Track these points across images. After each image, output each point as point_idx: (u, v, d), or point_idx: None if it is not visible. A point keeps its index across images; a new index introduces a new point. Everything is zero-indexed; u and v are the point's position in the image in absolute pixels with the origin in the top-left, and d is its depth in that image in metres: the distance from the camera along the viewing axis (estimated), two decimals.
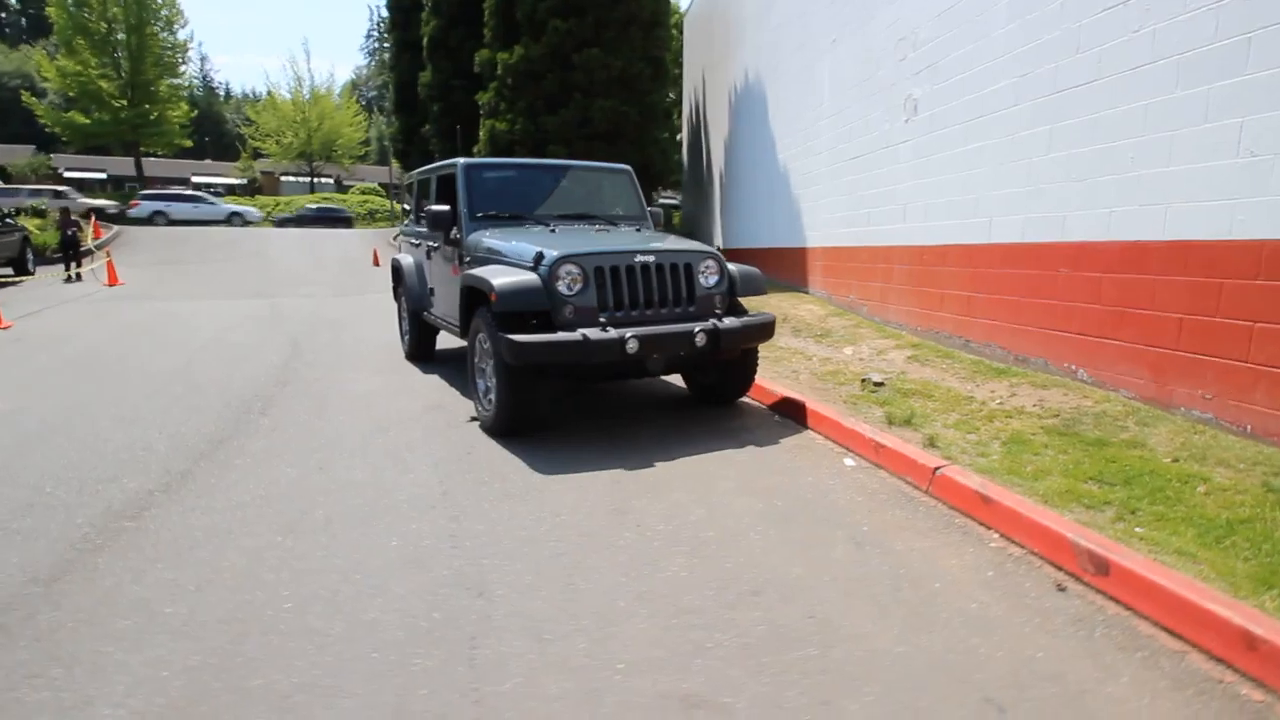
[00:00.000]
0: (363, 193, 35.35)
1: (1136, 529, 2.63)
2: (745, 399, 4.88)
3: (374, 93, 59.59)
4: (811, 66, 8.81)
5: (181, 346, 6.88)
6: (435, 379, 5.68)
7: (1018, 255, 5.00)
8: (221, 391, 5.13)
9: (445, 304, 5.30)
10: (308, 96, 36.62)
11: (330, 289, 12.31)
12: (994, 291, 5.28)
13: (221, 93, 54.25)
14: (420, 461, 3.66)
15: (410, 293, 6.11)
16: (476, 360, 4.30)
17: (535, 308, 3.79)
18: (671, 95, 18.13)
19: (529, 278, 3.82)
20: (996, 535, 2.71)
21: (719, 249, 8.83)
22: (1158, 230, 3.86)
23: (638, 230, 5.12)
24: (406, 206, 6.76)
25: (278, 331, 7.83)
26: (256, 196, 35.41)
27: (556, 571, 2.48)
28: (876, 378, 4.95)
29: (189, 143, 31.01)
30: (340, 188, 39.40)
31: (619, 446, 3.88)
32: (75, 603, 2.28)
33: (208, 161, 42.36)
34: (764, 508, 3.04)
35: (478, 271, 4.13)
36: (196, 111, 33.70)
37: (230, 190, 38.04)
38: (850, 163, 7.70)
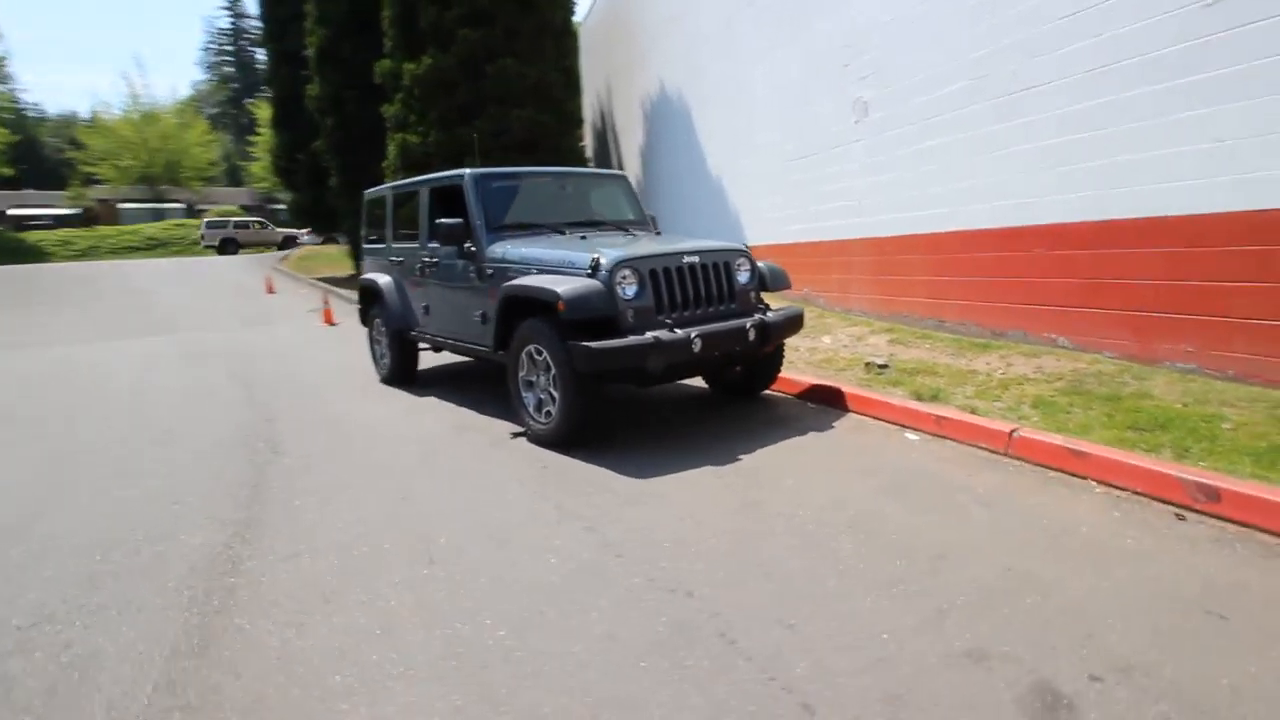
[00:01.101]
0: (220, 216, 32.60)
1: (1200, 464, 3.04)
2: (766, 391, 5.04)
3: (216, 109, 55.07)
4: (744, 73, 9.20)
5: (108, 395, 6.13)
6: (434, 400, 5.45)
7: (988, 240, 5.53)
8: (203, 435, 4.67)
9: (452, 320, 5.10)
10: (143, 114, 33.34)
11: (234, 321, 11.37)
12: (965, 274, 5.79)
13: (33, 114, 48.02)
14: (504, 479, 3.54)
15: (390, 313, 5.81)
16: (523, 373, 4.19)
17: (601, 314, 3.77)
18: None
19: (592, 284, 3.79)
20: (1094, 483, 3.04)
21: None
22: (1130, 210, 4.43)
23: (658, 234, 5.17)
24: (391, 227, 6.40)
25: (207, 369, 7.15)
26: (95, 228, 31.73)
27: (747, 565, 2.51)
28: (879, 360, 5.29)
29: (8, 170, 27.31)
30: (192, 213, 36.10)
31: (686, 446, 3.93)
32: (255, 669, 2.06)
33: (28, 191, 37.38)
34: (875, 484, 3.21)
35: (527, 281, 4.03)
36: (18, 137, 29.74)
37: (61, 222, 33.79)
38: (796, 163, 8.12)
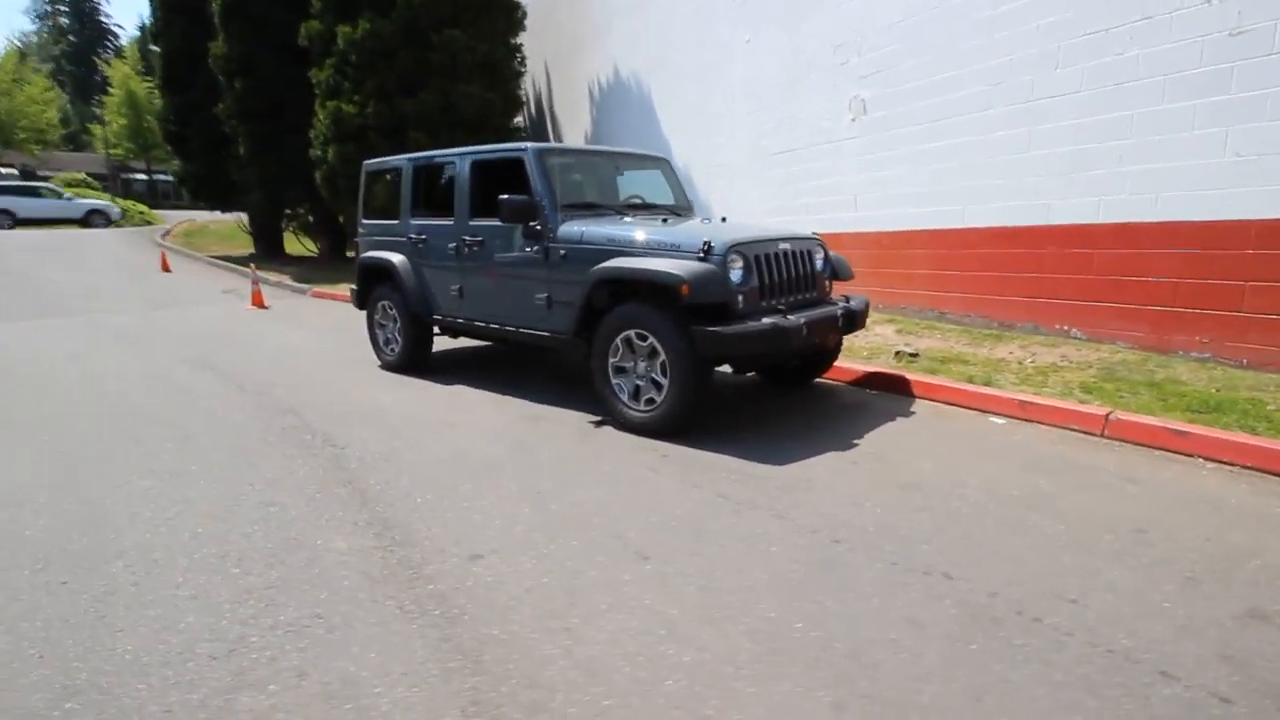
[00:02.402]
0: (69, 185, 28.77)
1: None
2: (818, 379, 5.13)
3: (50, 64, 48.40)
4: (719, 64, 9.27)
5: (63, 387, 5.32)
6: (465, 388, 5.15)
7: (999, 237, 5.93)
8: (224, 430, 4.18)
9: (500, 304, 4.81)
10: None
11: (140, 302, 10.17)
12: (972, 269, 6.18)
13: None
14: (635, 469, 3.40)
15: (409, 295, 5.40)
16: (614, 359, 4.03)
17: (720, 298, 3.70)
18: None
19: (709, 267, 3.70)
20: (1202, 459, 3.36)
21: None
22: (1149, 214, 4.90)
23: (706, 220, 5.12)
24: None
25: (155, 356, 6.39)
26: None
27: (970, 544, 2.57)
28: (909, 349, 5.55)
29: None
30: (29, 179, 31.56)
31: (790, 433, 3.95)
32: (559, 680, 1.87)
33: None
34: (1012, 465, 3.38)
35: (632, 263, 3.88)
36: None
37: None
38: (780, 156, 8.30)
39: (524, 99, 13.71)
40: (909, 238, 6.75)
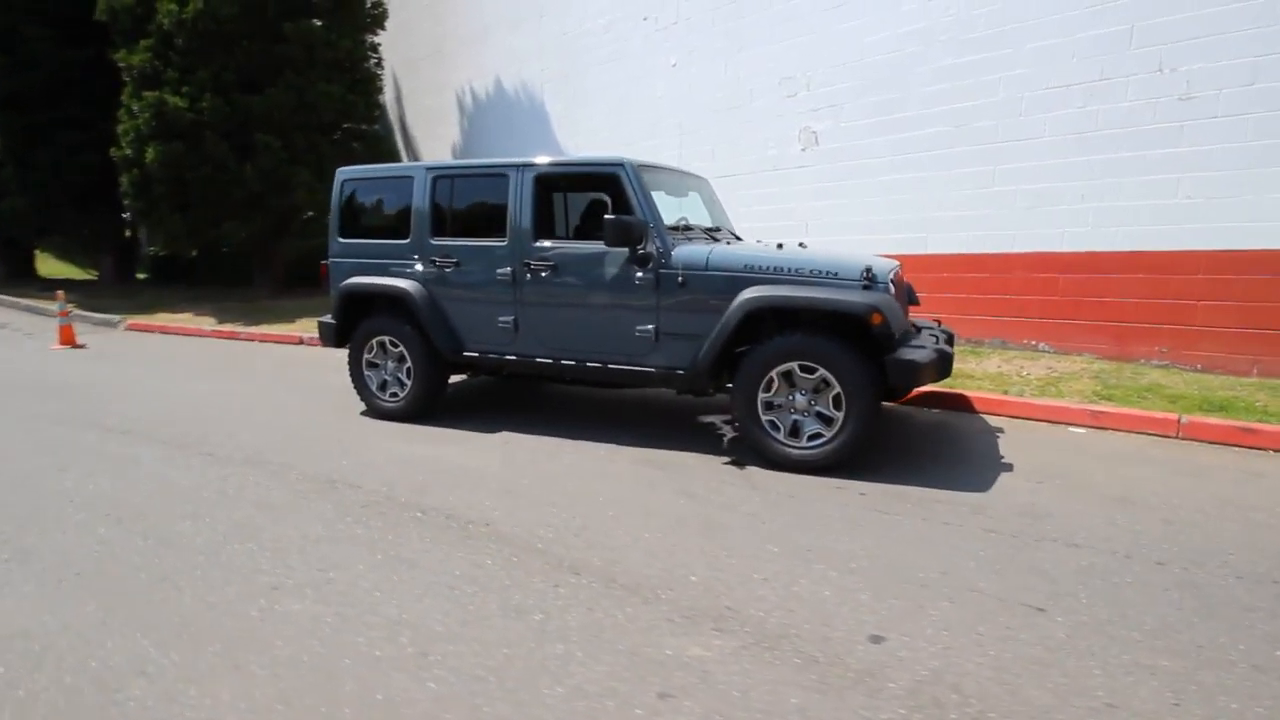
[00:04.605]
0: None
1: None
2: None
3: None
4: (636, 84, 9.18)
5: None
6: (512, 434, 4.51)
7: (964, 263, 6.57)
8: (297, 520, 3.19)
9: (582, 338, 4.25)
10: None
11: None
12: (936, 290, 6.77)
13: None
14: (864, 515, 3.18)
15: (431, 329, 4.57)
16: (766, 394, 3.75)
17: (900, 327, 3.64)
18: None
19: (885, 296, 3.61)
20: (1270, 452, 4.00)
21: None
22: (1110, 245, 5.77)
23: (801, 244, 4.93)
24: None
25: (29, 421, 4.72)
26: None
27: (1242, 547, 2.77)
28: None
29: None
30: None
31: (933, 459, 3.99)
32: None
33: None
34: (1159, 471, 3.73)
35: (805, 292, 3.64)
36: None
37: None
38: (718, 181, 8.39)
39: (383, 103, 12.38)
40: None
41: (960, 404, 5.04)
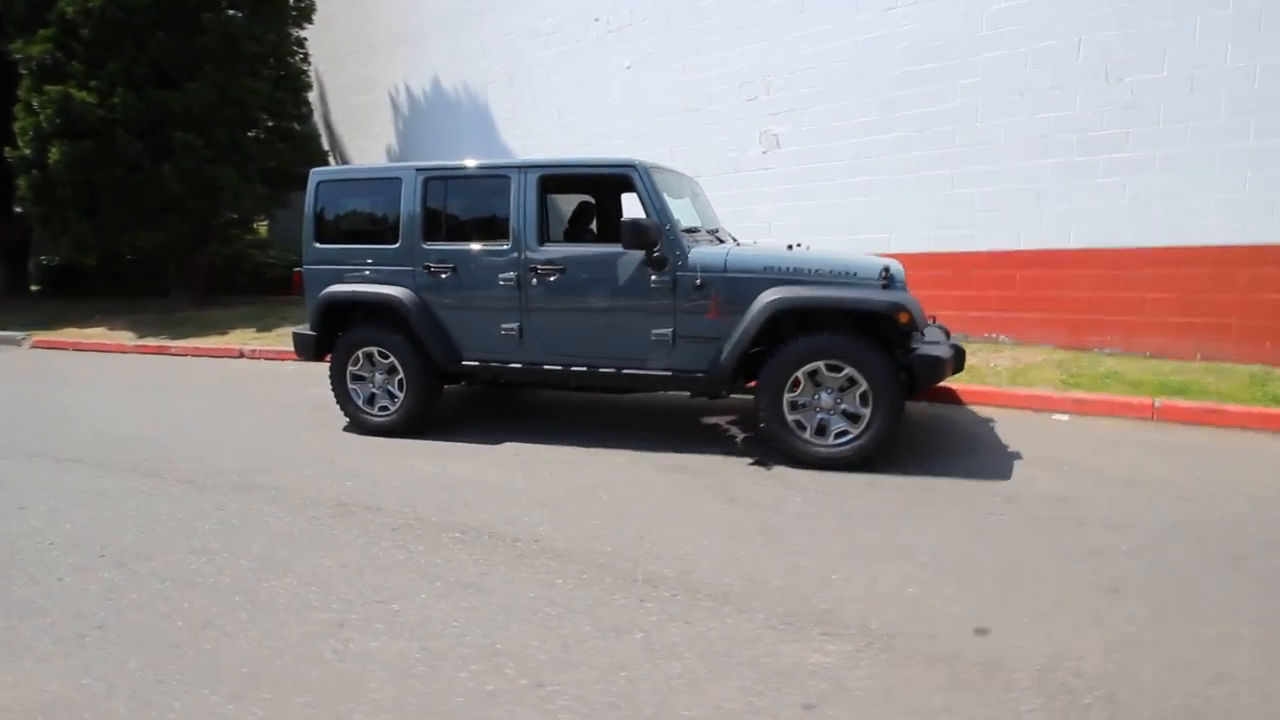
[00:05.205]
0: None
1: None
2: None
3: None
4: (591, 84, 9.09)
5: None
6: (519, 444, 4.36)
7: (926, 262, 6.83)
8: (383, 563, 2.97)
9: (595, 342, 4.14)
10: None
11: None
12: None
13: None
14: (914, 510, 3.24)
15: (426, 338, 4.34)
16: (793, 395, 3.76)
17: (921, 325, 3.73)
18: None
19: (908, 295, 3.70)
20: (1238, 430, 4.35)
21: None
22: (1063, 242, 6.14)
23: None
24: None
25: None
26: None
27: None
28: None
29: None
30: None
31: (945, 451, 4.12)
32: None
33: None
34: (1107, 454, 3.97)
35: (830, 293, 3.67)
36: None
37: None
38: None
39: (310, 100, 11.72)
40: None
41: (947, 396, 5.24)
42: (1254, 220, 5.34)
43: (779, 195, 7.67)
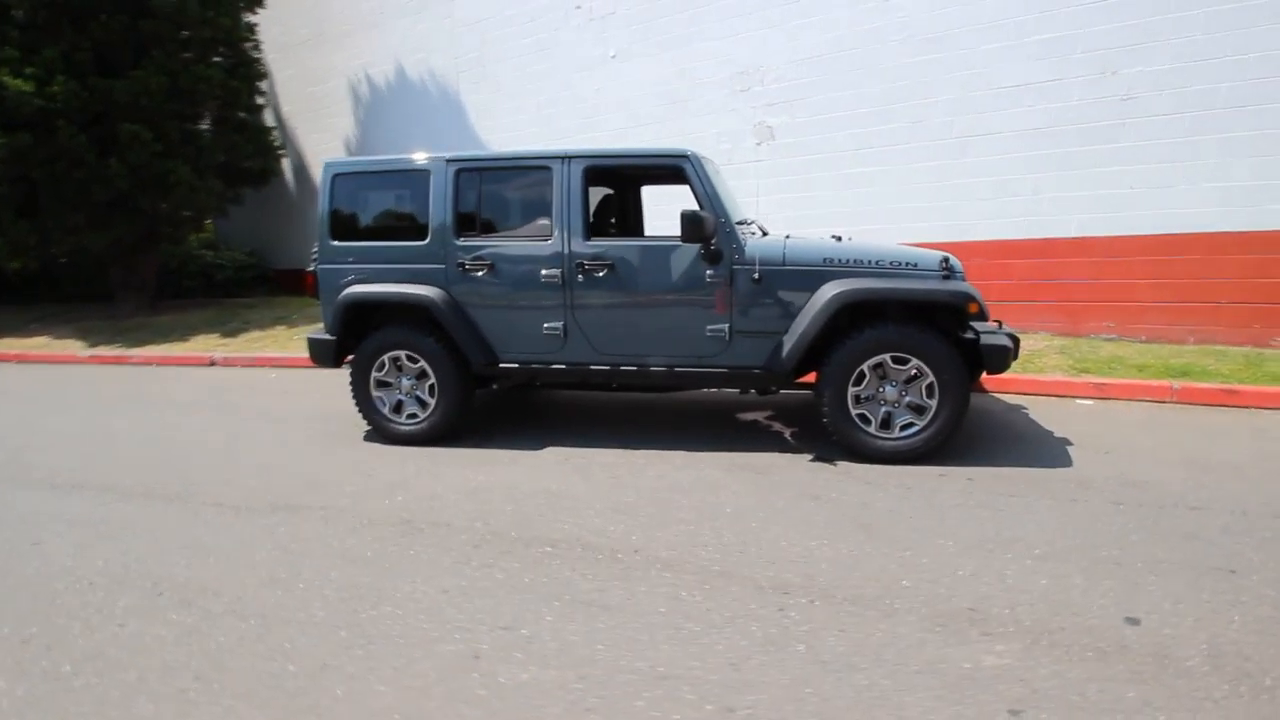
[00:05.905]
0: None
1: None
2: None
3: None
4: (572, 74, 8.88)
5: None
6: (565, 449, 4.20)
7: None
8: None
9: (647, 340, 4.00)
10: None
11: None
12: None
13: None
14: (997, 501, 3.24)
15: (462, 340, 4.11)
16: (857, 388, 3.71)
17: (985, 315, 3.73)
18: None
19: (971, 286, 3.70)
20: (1254, 409, 4.54)
21: None
22: (1061, 231, 6.32)
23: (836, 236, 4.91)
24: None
25: None
26: None
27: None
28: None
29: None
30: None
31: (990, 438, 4.16)
32: None
33: None
34: (1148, 435, 4.10)
35: (896, 284, 3.64)
36: None
37: None
38: None
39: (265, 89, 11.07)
40: None
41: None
42: (1243, 208, 5.61)
43: (776, 187, 7.65)
